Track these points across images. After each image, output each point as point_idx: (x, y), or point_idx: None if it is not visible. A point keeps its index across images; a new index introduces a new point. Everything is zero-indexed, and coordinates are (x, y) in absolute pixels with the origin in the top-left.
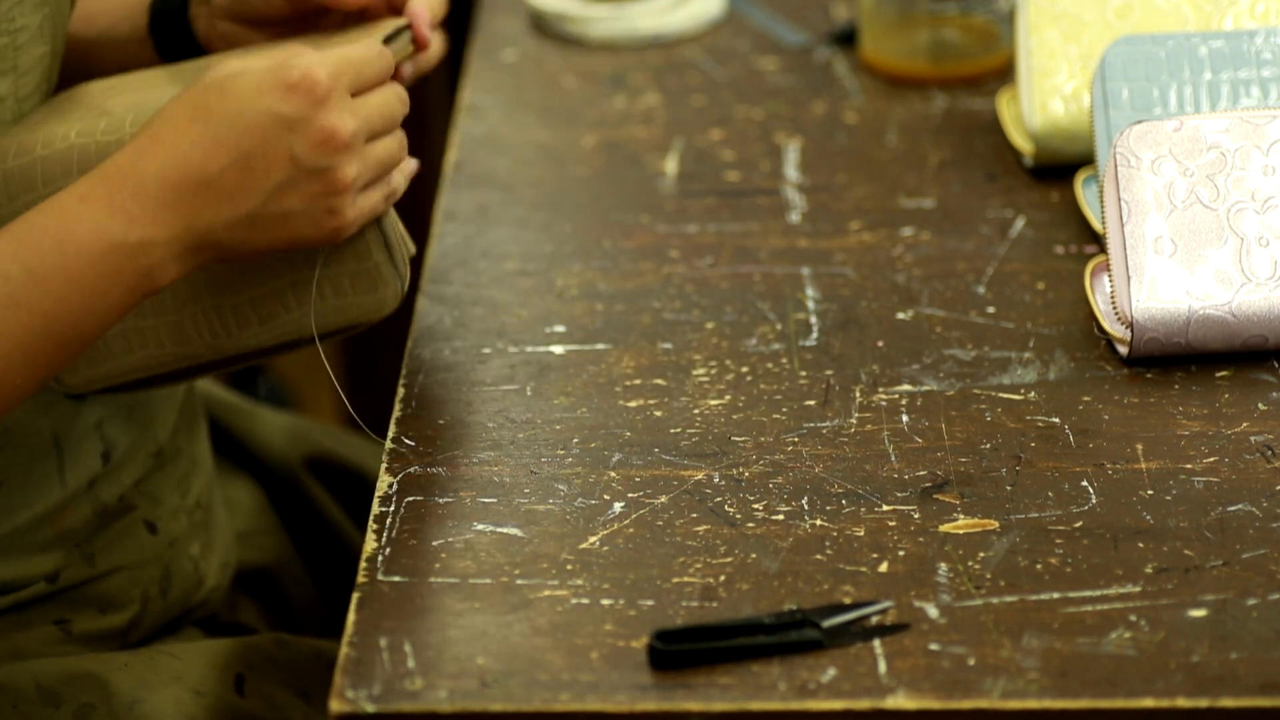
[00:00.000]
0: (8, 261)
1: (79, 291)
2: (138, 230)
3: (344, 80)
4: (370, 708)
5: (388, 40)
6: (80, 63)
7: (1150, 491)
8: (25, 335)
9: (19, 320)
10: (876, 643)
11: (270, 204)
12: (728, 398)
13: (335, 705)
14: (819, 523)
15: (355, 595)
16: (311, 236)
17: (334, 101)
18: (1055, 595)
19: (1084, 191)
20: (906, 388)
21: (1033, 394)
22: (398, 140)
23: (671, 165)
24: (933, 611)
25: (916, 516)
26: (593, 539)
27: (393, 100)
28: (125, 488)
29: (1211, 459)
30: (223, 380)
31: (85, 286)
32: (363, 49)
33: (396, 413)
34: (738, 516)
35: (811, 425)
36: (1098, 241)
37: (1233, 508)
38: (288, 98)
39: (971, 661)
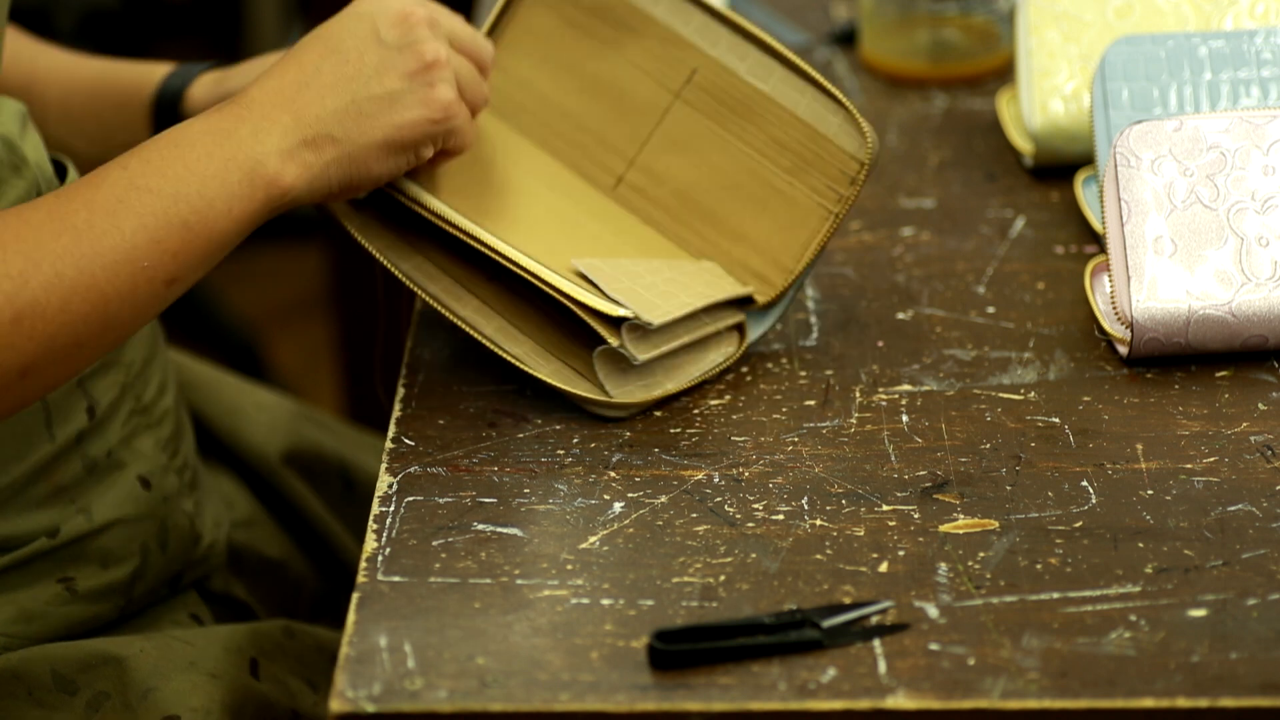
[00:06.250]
0: (129, 156)
1: (196, 175)
2: (248, 125)
3: (430, 6)
4: (370, 708)
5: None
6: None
7: (1150, 491)
8: (148, 216)
9: (141, 201)
10: (876, 643)
11: (372, 85)
12: (727, 398)
13: (335, 705)
14: (819, 523)
15: (355, 595)
16: (422, 115)
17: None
18: (1055, 595)
19: (1084, 191)
20: (906, 388)
21: (1033, 394)
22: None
23: None
24: (933, 611)
25: (916, 516)
26: (593, 539)
27: (472, 42)
28: (113, 444)
29: (1211, 459)
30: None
31: (200, 171)
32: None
33: (396, 413)
34: (738, 516)
35: (811, 425)
36: (1098, 241)
37: (1233, 508)
38: (370, 2)
39: (971, 661)
